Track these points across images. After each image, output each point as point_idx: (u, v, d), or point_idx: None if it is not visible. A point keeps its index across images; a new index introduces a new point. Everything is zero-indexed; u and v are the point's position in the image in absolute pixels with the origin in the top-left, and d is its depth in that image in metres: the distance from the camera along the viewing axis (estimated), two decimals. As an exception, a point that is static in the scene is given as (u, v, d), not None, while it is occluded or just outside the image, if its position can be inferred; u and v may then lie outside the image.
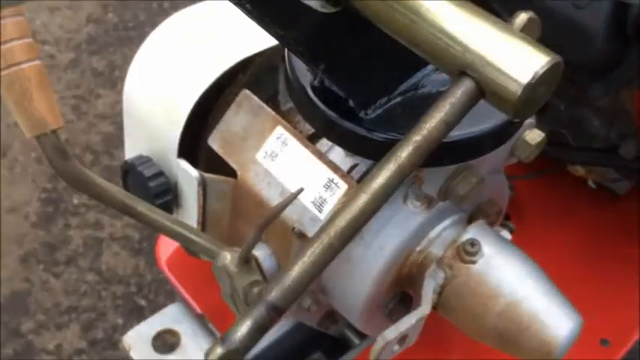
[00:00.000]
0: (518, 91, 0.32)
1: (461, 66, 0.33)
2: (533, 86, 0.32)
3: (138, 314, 1.33)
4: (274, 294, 0.32)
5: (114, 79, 1.71)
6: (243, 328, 0.31)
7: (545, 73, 0.32)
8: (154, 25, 0.67)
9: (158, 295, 1.35)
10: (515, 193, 0.69)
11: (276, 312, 0.32)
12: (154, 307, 1.33)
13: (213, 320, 0.70)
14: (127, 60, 1.74)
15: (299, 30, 0.40)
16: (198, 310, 0.70)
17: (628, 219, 0.80)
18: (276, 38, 0.43)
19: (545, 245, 0.64)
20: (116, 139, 1.60)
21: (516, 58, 0.32)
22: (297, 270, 0.32)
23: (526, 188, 0.80)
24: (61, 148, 0.50)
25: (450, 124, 0.33)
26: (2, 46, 0.46)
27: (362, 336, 0.74)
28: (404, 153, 0.33)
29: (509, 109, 0.33)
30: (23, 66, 0.48)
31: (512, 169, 0.66)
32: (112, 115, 1.64)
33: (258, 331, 0.32)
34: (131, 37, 1.78)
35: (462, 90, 0.32)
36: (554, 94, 0.36)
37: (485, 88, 0.32)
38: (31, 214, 1.48)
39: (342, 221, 0.33)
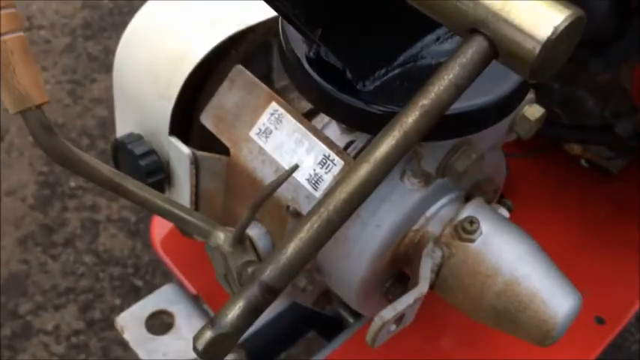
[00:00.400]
0: (537, 48, 0.28)
1: (472, 23, 0.28)
2: (553, 43, 0.28)
3: (135, 295, 1.30)
4: (269, 274, 0.28)
5: (109, 63, 1.65)
6: (234, 311, 0.28)
7: (566, 28, 0.28)
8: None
9: (155, 276, 1.32)
10: (511, 173, 0.66)
11: (270, 293, 0.28)
12: (151, 288, 1.29)
13: (208, 301, 0.67)
14: (123, 45, 1.69)
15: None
16: (193, 291, 0.67)
17: (622, 197, 0.78)
18: (270, 2, 0.39)
19: (540, 224, 0.61)
20: (112, 124, 1.55)
21: (534, 13, 0.28)
22: (292, 248, 0.29)
23: (521, 168, 0.77)
24: (46, 123, 0.47)
25: (460, 87, 0.29)
26: (-18, 16, 0.42)
27: (357, 315, 0.71)
28: (410, 119, 0.29)
29: (525, 70, 0.29)
30: (5, 37, 0.44)
31: (508, 147, 0.63)
32: (107, 100, 1.59)
33: (252, 313, 0.28)
34: (126, 22, 1.72)
35: (473, 49, 0.29)
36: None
37: (500, 47, 0.28)
38: (29, 197, 1.44)
39: (342, 194, 0.29)
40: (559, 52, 0.29)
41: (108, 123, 1.55)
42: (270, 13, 0.57)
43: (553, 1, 0.29)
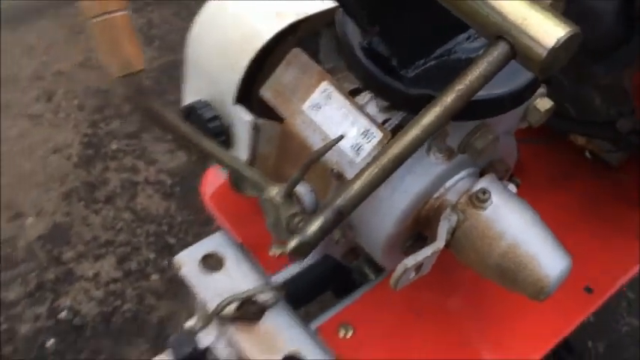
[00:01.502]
0: (544, 53, 0.38)
1: (498, 31, 0.38)
2: (556, 50, 0.38)
3: (168, 251, 1.41)
4: (340, 201, 0.39)
5: (151, 36, 1.76)
6: (314, 227, 0.38)
7: (565, 41, 0.38)
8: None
9: (187, 235, 1.43)
10: (520, 156, 0.75)
11: (340, 216, 0.38)
12: (183, 245, 1.40)
13: (250, 248, 0.77)
14: (164, 19, 1.79)
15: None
16: (238, 240, 0.77)
17: (620, 186, 0.87)
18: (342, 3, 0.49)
19: (542, 202, 0.70)
20: (151, 92, 1.66)
21: (544, 28, 0.38)
22: (358, 184, 0.39)
23: (530, 153, 0.86)
24: (142, 86, 0.57)
25: (486, 79, 0.39)
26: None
27: (377, 272, 0.81)
28: (449, 98, 0.39)
29: (536, 68, 0.39)
30: (115, 15, 0.54)
31: (520, 134, 0.72)
32: (148, 70, 1.69)
33: (325, 230, 0.38)
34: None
35: (498, 51, 0.38)
36: (559, 70, 0.42)
37: (517, 50, 0.39)
38: (73, 156, 1.55)
39: (396, 149, 0.39)
40: (560, 57, 0.39)
41: (148, 91, 1.65)
42: (320, 7, 0.67)
43: (559, 19, 0.39)
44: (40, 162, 1.51)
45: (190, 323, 0.73)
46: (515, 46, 0.38)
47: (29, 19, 1.72)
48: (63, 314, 1.31)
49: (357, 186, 0.39)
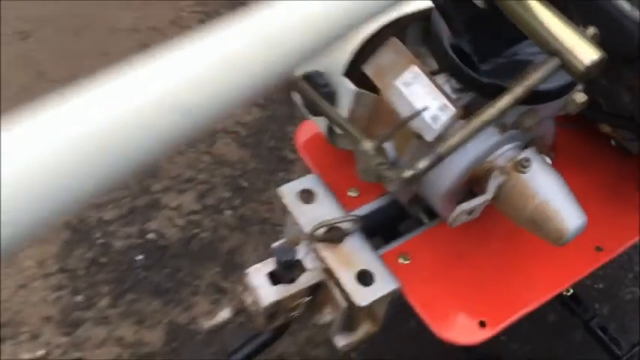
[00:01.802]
0: (582, 69, 0.57)
1: (553, 50, 0.58)
2: (589, 67, 0.57)
3: (240, 192, 1.63)
4: (441, 149, 0.59)
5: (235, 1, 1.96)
6: (422, 164, 0.59)
7: (596, 62, 0.58)
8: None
9: (257, 180, 1.65)
10: (557, 137, 0.95)
11: (439, 159, 0.59)
12: (254, 190, 1.63)
13: (333, 189, 0.98)
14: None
15: (463, 12, 0.66)
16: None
17: (636, 171, 1.06)
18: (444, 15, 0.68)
19: (571, 174, 0.89)
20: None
21: (584, 51, 0.57)
22: (456, 138, 0.59)
23: (565, 135, 1.05)
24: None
25: (543, 79, 0.59)
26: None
27: (431, 218, 1.02)
28: (519, 90, 0.58)
29: (575, 77, 0.58)
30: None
31: (558, 119, 0.92)
32: (230, 32, 1.90)
33: (429, 167, 0.59)
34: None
35: (552, 63, 0.58)
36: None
37: (564, 64, 0.58)
38: (162, 103, 1.77)
39: (483, 117, 0.59)
40: (592, 71, 0.58)
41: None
42: (414, 7, 0.87)
43: (594, 47, 0.57)
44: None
45: (280, 242, 0.96)
46: (564, 61, 0.57)
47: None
48: (150, 235, 1.55)
49: (454, 140, 0.60)
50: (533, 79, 0.59)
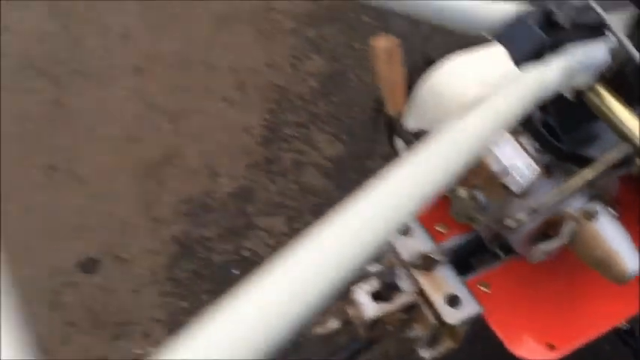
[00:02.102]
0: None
1: (627, 138, 0.76)
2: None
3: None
4: (539, 207, 0.78)
5: (322, 47, 2.17)
6: (521, 216, 0.77)
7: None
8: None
9: (340, 209, 1.84)
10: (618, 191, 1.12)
11: (534, 212, 0.77)
12: (337, 216, 1.82)
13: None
14: (332, 34, 2.19)
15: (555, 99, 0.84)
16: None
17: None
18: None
19: (630, 225, 1.06)
20: (317, 94, 2.08)
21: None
22: (550, 199, 0.77)
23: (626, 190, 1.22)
24: (380, 97, 0.97)
25: (620, 156, 0.77)
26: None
27: (506, 253, 1.19)
28: (601, 165, 0.77)
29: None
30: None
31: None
32: (317, 74, 2.12)
33: (526, 220, 0.77)
34: (338, 16, 2.24)
35: (627, 147, 0.76)
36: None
37: (636, 149, 0.76)
38: (256, 135, 1.99)
39: (570, 184, 0.77)
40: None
41: (315, 93, 2.08)
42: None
43: None
44: (233, 137, 1.96)
45: (372, 268, 1.15)
46: (634, 147, 0.75)
47: (227, 21, 2.18)
48: (245, 253, 1.76)
49: (549, 200, 0.78)
50: (612, 155, 0.77)
